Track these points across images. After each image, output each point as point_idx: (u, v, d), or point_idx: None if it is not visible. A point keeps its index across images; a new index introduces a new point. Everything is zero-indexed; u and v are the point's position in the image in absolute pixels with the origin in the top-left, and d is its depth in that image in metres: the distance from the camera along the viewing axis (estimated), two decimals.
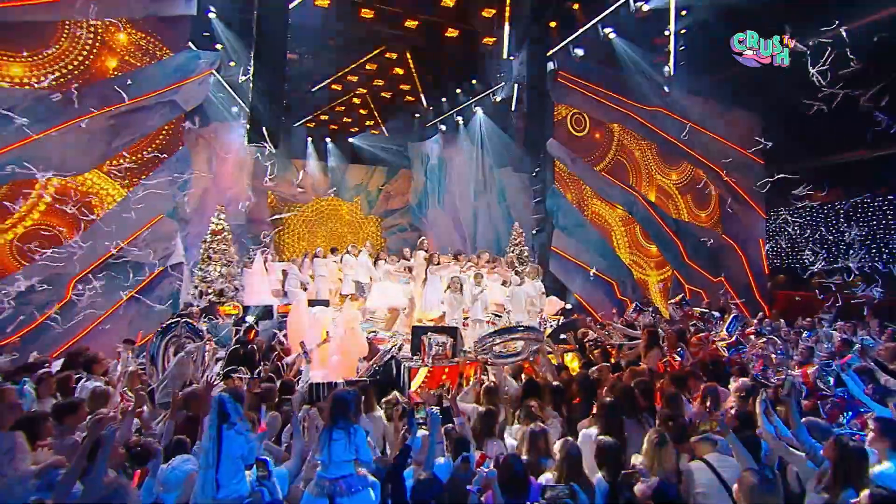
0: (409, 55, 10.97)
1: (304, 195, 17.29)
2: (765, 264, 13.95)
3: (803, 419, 3.41)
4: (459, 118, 16.17)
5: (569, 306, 10.76)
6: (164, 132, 8.86)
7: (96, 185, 8.18)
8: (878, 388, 4.19)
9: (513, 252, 11.79)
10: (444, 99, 13.83)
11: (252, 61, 8.66)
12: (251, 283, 10.34)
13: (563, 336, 6.49)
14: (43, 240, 7.57)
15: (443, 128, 16.99)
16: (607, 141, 12.47)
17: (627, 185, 12.28)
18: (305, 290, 9.94)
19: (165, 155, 8.81)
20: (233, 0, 9.24)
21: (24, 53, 7.49)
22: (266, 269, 10.82)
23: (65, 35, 7.78)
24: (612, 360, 5.82)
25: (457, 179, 16.69)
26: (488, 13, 9.60)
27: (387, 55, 11.00)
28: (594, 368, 5.32)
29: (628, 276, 12.23)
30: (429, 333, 5.68)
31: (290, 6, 8.79)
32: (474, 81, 12.83)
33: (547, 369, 5.28)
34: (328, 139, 16.93)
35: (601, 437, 3.34)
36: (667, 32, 11.48)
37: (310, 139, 16.85)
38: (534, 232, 13.49)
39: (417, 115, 17.17)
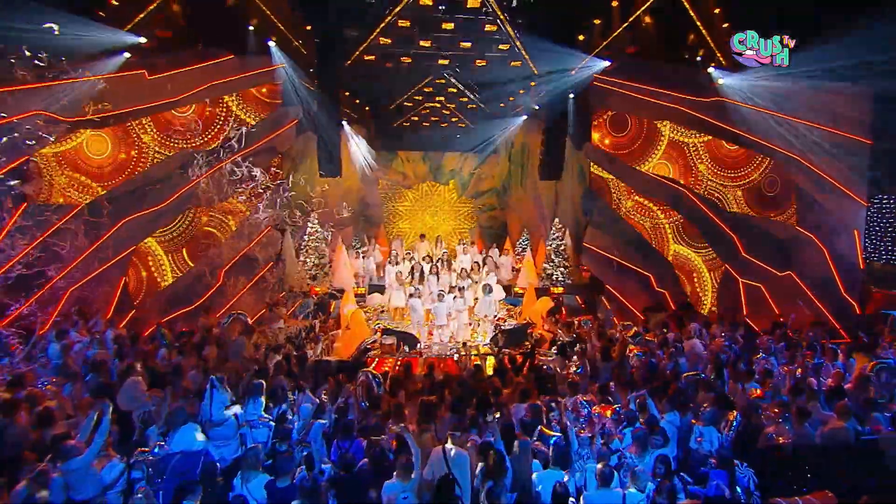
0: (454, 79, 12.66)
1: (407, 181, 20.46)
2: (860, 258, 12.34)
3: None
4: (536, 106, 17.10)
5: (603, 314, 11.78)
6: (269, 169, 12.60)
7: (231, 207, 12.36)
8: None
9: (551, 246, 13.13)
10: (501, 104, 15.16)
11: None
12: (338, 268, 13.86)
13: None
14: (204, 244, 12.04)
15: (524, 116, 18.09)
16: (654, 139, 12.47)
17: (673, 182, 12.28)
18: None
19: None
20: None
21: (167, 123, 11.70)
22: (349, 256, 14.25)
23: (206, 111, 11.82)
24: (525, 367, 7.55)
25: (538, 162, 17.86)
26: (504, 47, 10.66)
27: (436, 81, 12.89)
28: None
29: (668, 269, 12.51)
30: (383, 335, 8.16)
31: (346, 63, 11.42)
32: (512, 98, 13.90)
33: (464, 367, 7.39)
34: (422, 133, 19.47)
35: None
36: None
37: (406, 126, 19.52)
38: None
39: (502, 104, 18.42)
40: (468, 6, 9.08)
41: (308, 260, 12.77)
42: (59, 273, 10.14)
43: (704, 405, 6.01)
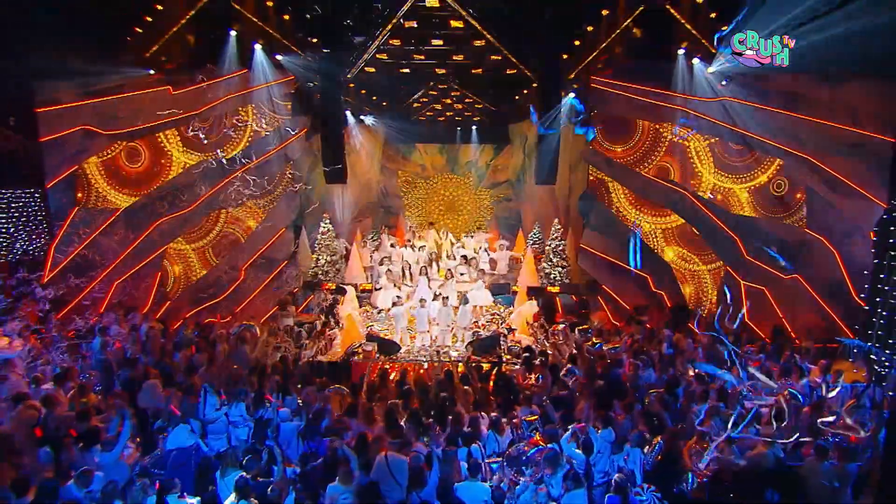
0: (455, 85, 12.98)
1: (425, 173, 21.02)
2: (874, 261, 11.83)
3: None
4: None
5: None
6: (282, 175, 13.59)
7: (249, 211, 13.49)
8: None
9: (550, 246, 13.45)
10: (516, 97, 15.26)
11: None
12: (351, 264, 14.78)
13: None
14: (225, 244, 13.29)
15: (533, 113, 18.03)
16: (654, 141, 12.38)
17: (673, 184, 12.22)
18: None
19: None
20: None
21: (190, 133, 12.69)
22: (359, 252, 15.12)
23: (223, 120, 12.83)
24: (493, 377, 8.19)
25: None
26: (496, 58, 10.83)
27: (439, 86, 13.25)
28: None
29: (666, 270, 12.59)
30: (366, 340, 9.00)
31: (349, 75, 12.02)
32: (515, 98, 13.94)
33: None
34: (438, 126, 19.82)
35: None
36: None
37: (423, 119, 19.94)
38: None
39: (518, 97, 18.41)
40: (452, 25, 9.40)
41: (321, 257, 13.77)
42: (104, 271, 11.69)
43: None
